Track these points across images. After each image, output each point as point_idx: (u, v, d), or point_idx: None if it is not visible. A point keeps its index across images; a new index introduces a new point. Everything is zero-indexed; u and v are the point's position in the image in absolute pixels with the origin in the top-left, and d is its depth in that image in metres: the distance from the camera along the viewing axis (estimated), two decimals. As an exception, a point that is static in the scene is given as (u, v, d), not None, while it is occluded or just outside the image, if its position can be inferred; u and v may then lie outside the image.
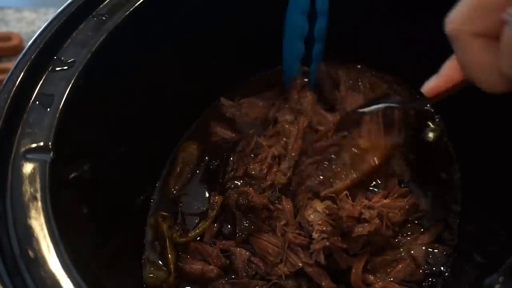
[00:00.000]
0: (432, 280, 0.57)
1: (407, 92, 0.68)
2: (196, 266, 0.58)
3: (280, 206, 0.59)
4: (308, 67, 0.66)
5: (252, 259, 0.57)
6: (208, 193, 0.65)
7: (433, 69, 0.44)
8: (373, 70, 0.70)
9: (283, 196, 0.60)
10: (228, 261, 0.58)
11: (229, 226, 0.61)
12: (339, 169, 0.59)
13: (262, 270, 0.57)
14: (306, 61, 0.65)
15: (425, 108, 0.47)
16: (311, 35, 0.62)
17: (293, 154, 0.62)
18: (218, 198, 0.61)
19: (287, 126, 0.64)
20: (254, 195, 0.58)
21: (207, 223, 0.61)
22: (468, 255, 0.57)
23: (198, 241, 0.60)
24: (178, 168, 0.66)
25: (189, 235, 0.60)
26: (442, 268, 0.57)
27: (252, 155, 0.63)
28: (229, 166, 0.64)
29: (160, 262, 0.60)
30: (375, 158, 0.59)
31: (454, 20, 0.36)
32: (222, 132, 0.69)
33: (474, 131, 0.61)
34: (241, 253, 0.58)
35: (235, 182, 0.62)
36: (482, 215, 0.58)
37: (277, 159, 0.62)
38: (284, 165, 0.62)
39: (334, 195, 0.57)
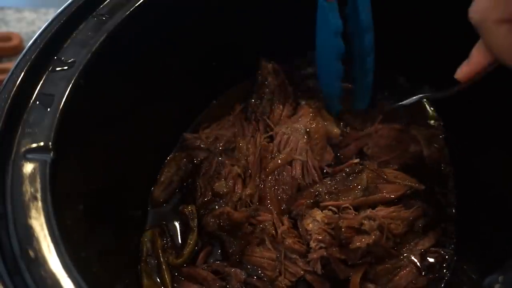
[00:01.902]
0: (434, 284, 0.56)
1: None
2: None
3: (260, 218, 0.58)
4: (357, 84, 0.65)
5: (248, 280, 0.56)
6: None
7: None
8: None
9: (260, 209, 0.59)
10: (224, 283, 0.57)
11: (219, 251, 0.60)
12: (351, 186, 0.59)
13: None
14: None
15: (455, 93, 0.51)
16: (353, 53, 0.61)
17: (256, 173, 0.62)
18: (190, 207, 0.61)
19: (244, 146, 0.64)
20: (233, 212, 0.57)
21: (194, 234, 0.59)
22: (468, 256, 0.57)
23: (191, 266, 0.59)
24: (163, 178, 0.65)
25: (184, 253, 0.59)
26: (444, 271, 0.57)
27: (217, 175, 0.62)
28: (197, 192, 0.63)
29: (158, 280, 0.58)
30: (391, 195, 0.59)
31: (478, 10, 0.40)
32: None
33: (468, 131, 0.62)
34: (237, 274, 0.57)
35: (207, 207, 0.61)
36: (480, 216, 0.58)
37: (241, 176, 0.62)
38: (249, 186, 0.61)
39: (335, 208, 0.57)
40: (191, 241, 0.59)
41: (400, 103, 0.61)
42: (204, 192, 0.62)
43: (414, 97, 0.60)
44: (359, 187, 0.58)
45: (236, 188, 0.61)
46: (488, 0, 0.39)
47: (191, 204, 0.62)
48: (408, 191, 0.60)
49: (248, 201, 0.60)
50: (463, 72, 0.48)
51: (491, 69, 0.46)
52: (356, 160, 0.61)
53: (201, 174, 0.64)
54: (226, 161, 0.63)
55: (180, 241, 0.61)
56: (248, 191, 0.60)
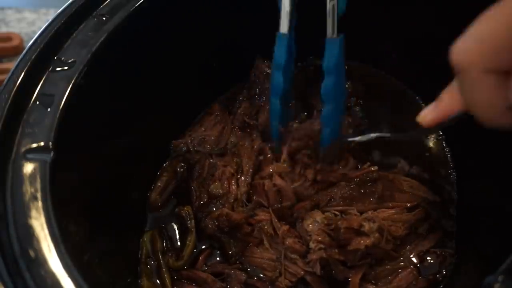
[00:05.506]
0: (434, 285, 0.56)
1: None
2: None
3: (257, 218, 0.58)
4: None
5: (249, 281, 0.56)
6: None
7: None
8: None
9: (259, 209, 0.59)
10: (224, 284, 0.57)
11: (218, 252, 0.60)
12: (367, 192, 0.58)
13: None
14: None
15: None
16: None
17: (248, 172, 0.61)
18: (186, 208, 0.61)
19: (240, 146, 0.63)
20: (231, 213, 0.57)
21: (193, 235, 0.59)
22: (468, 256, 0.57)
23: (190, 269, 0.59)
24: (159, 182, 0.64)
25: (183, 255, 0.59)
26: (444, 272, 0.57)
27: (211, 177, 0.62)
28: (192, 196, 0.62)
29: (158, 282, 0.58)
30: (405, 205, 0.58)
31: (464, 51, 0.32)
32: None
33: (468, 131, 0.61)
34: (237, 275, 0.56)
35: (204, 210, 0.60)
36: (480, 216, 0.58)
37: (235, 176, 0.61)
38: (242, 184, 0.60)
39: (338, 212, 0.56)
40: (190, 242, 0.59)
41: (352, 138, 0.56)
42: (200, 195, 0.62)
43: (371, 135, 0.54)
44: (374, 194, 0.58)
45: (231, 188, 0.60)
46: (481, 44, 0.31)
47: (187, 205, 0.61)
48: (422, 203, 0.58)
49: (244, 200, 0.60)
50: (428, 116, 0.41)
51: (460, 119, 0.38)
52: (375, 168, 0.59)
53: (195, 177, 0.63)
54: (218, 163, 0.62)
55: (179, 243, 0.61)
56: (242, 189, 0.60)
